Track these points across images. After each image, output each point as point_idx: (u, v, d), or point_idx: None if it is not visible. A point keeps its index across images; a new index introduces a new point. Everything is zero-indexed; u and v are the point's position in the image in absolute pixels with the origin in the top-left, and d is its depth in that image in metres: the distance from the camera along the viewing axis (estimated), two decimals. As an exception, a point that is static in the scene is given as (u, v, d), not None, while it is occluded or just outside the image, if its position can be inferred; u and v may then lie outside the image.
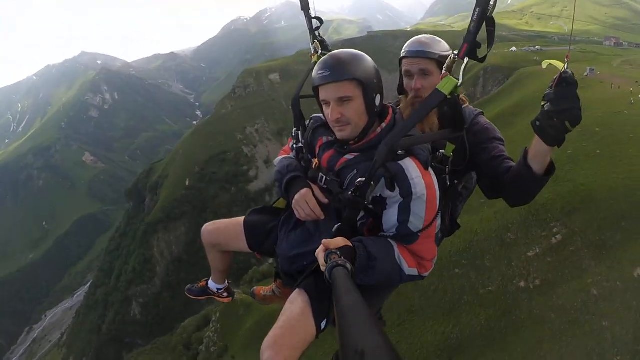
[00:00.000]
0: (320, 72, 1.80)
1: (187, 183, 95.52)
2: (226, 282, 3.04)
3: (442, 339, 10.65)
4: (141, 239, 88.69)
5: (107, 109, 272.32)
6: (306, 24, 2.61)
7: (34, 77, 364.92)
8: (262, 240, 2.39)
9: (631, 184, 10.26)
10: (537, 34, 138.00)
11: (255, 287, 3.20)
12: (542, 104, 1.64)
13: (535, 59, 57.12)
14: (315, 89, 1.89)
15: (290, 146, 2.39)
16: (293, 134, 2.34)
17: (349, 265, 1.40)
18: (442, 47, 2.22)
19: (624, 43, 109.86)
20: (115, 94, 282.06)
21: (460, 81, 1.66)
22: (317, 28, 2.61)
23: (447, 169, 2.04)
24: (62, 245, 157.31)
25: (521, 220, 11.53)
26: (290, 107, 2.41)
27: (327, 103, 1.84)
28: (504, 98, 36.67)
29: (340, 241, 1.65)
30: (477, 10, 1.53)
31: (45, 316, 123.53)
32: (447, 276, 12.03)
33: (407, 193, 1.73)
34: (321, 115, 2.10)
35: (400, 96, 2.43)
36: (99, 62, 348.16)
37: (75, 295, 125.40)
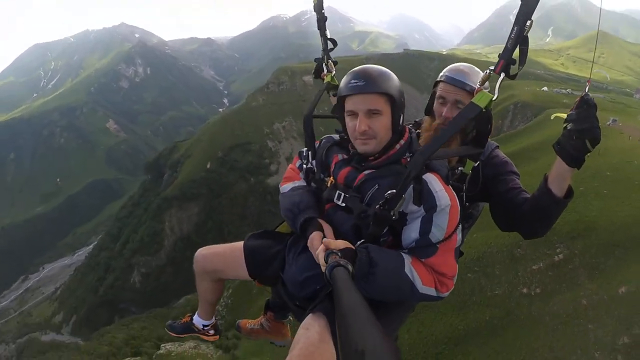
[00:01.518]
0: (353, 81, 1.78)
1: (208, 166, 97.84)
2: (213, 317, 2.81)
3: (450, 329, 12.10)
4: (154, 212, 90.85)
5: (137, 82, 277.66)
6: (321, 44, 2.56)
7: (71, 39, 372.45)
8: (264, 266, 2.23)
9: (629, 221, 12.06)
10: (570, 77, 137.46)
11: (240, 320, 3.07)
12: (564, 125, 1.77)
13: (565, 102, 57.97)
14: (342, 99, 1.86)
15: (297, 166, 2.27)
16: (303, 154, 2.23)
17: (349, 266, 1.38)
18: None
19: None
20: (148, 69, 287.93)
21: (496, 96, 1.67)
22: (332, 49, 2.59)
23: (464, 187, 2.13)
24: (71, 204, 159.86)
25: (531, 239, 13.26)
26: (302, 127, 2.29)
27: (355, 114, 1.81)
28: (529, 134, 37.90)
29: (341, 243, 1.62)
30: (515, 28, 1.58)
31: (43, 268, 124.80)
32: (460, 279, 13.54)
33: (430, 206, 1.71)
34: (333, 135, 2.14)
35: (425, 116, 2.43)
36: (137, 35, 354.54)
37: (76, 254, 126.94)
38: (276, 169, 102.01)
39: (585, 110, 1.71)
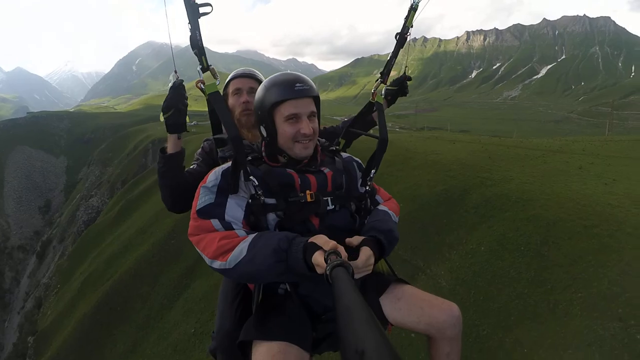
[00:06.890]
0: (299, 85, 1.72)
1: None
2: None
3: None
4: None
5: None
6: (193, 40, 1.78)
7: None
8: (307, 330, 1.69)
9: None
10: (195, 113, 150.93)
11: None
12: (391, 89, 2.60)
13: (193, 131, 62.95)
14: (277, 104, 1.73)
15: (223, 228, 1.61)
16: (252, 191, 1.70)
17: (349, 265, 1.31)
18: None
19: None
20: None
21: (384, 96, 2.44)
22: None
23: None
24: None
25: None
26: (235, 151, 1.68)
27: (298, 118, 1.74)
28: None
29: (359, 238, 1.69)
30: (393, 60, 2.36)
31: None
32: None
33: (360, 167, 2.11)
34: (224, 167, 1.76)
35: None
36: None
37: None
38: None
39: (402, 82, 2.63)
